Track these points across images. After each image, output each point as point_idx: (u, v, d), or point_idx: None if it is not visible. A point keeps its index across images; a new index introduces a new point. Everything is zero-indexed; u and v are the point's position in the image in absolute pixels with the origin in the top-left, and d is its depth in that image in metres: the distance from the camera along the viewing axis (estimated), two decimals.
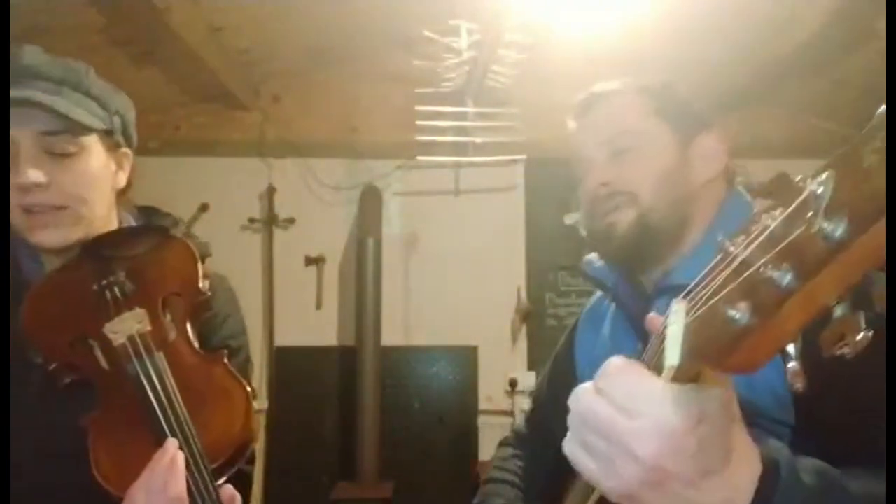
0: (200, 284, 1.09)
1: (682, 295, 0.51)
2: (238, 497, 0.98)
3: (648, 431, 0.52)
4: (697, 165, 0.97)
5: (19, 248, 1.10)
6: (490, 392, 3.82)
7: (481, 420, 3.79)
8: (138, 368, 0.98)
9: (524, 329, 3.87)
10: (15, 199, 1.01)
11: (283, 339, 3.81)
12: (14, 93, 0.99)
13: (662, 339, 0.52)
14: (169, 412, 0.96)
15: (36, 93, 1.00)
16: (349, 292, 3.81)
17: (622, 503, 0.56)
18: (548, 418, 1.19)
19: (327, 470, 3.68)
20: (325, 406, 3.78)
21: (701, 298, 0.47)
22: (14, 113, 1.00)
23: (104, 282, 1.06)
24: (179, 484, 0.90)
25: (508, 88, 3.18)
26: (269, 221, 3.84)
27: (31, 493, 0.98)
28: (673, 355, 0.48)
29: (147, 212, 1.23)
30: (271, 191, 3.84)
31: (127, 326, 1.02)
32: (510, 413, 3.74)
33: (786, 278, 0.38)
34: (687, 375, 0.51)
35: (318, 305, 3.85)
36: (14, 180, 1.00)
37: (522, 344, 3.87)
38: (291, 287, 3.82)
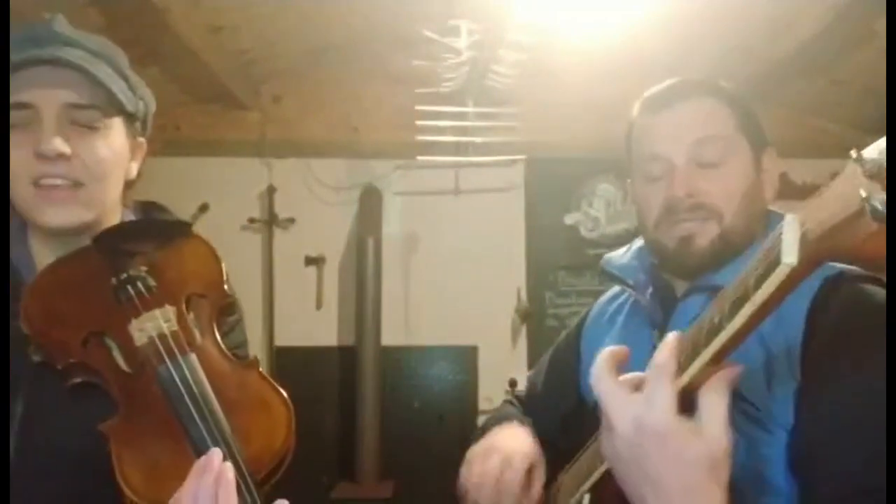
0: (226, 286, 1.02)
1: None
2: None
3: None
4: (766, 184, 0.97)
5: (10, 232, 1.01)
6: (490, 392, 3.81)
7: (481, 420, 3.78)
8: (172, 370, 0.89)
9: (524, 329, 3.87)
10: (28, 170, 0.92)
11: (283, 339, 3.81)
12: (42, 52, 0.91)
13: (773, 248, 0.57)
14: (209, 419, 0.87)
15: (74, 52, 0.92)
16: (349, 292, 3.80)
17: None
18: (541, 407, 1.22)
19: (327, 470, 3.67)
20: (325, 406, 3.78)
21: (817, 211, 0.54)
22: (38, 74, 0.91)
23: (124, 276, 0.96)
24: (231, 499, 0.79)
25: (508, 88, 3.18)
26: (269, 221, 3.83)
27: (39, 497, 0.90)
28: (791, 256, 0.55)
29: (146, 207, 1.15)
30: (271, 191, 3.84)
31: (154, 325, 0.93)
32: None
33: None
34: (791, 280, 0.56)
35: (318, 305, 3.85)
36: (34, 148, 0.91)
37: (522, 344, 3.87)
38: (291, 287, 3.82)
